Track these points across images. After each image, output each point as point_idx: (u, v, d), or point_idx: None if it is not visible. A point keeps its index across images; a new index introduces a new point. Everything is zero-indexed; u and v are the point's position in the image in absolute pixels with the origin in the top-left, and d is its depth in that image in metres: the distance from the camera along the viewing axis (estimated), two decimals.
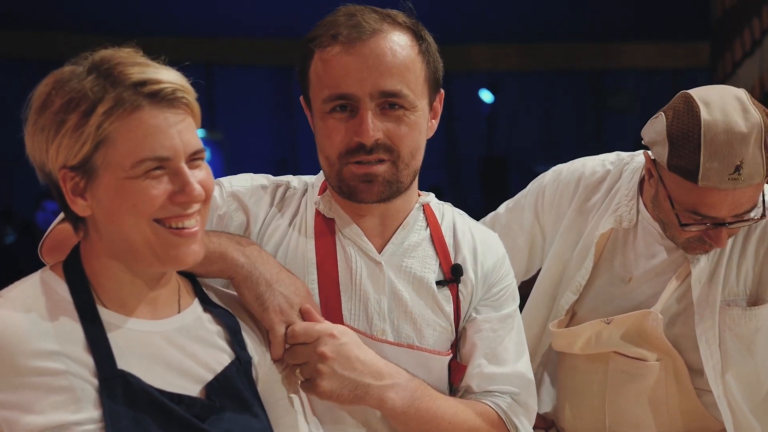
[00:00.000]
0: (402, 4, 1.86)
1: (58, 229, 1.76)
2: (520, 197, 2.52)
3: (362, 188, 1.80)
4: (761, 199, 2.15)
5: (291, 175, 2.00)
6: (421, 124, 1.83)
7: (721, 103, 2.09)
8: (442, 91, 1.90)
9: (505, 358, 1.92)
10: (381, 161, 1.79)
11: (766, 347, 2.27)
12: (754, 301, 2.24)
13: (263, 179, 1.96)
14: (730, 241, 2.25)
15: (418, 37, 1.82)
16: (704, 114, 2.07)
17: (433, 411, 1.80)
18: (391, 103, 1.78)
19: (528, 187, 2.52)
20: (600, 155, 2.46)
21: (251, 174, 1.97)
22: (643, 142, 2.24)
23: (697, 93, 2.14)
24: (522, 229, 2.47)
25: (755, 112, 2.08)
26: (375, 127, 1.76)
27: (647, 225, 2.31)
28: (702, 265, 2.24)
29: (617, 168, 2.39)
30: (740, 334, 2.24)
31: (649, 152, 2.20)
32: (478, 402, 1.88)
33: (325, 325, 1.74)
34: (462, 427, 1.83)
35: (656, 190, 2.19)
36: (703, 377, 2.25)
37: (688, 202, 2.11)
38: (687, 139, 2.08)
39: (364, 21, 1.77)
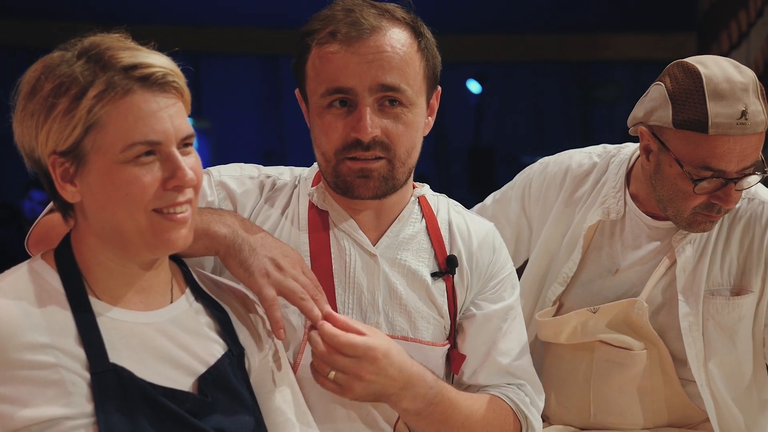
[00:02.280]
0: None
1: (44, 220, 1.75)
2: (507, 189, 2.53)
3: (358, 183, 1.79)
4: (761, 157, 2.18)
5: (283, 167, 1.99)
6: (418, 122, 1.81)
7: (714, 61, 2.16)
8: (439, 87, 1.88)
9: (509, 351, 1.93)
10: (377, 158, 1.77)
11: (748, 337, 2.29)
12: (737, 291, 2.26)
13: (253, 170, 1.95)
14: (714, 231, 2.27)
15: (417, 34, 1.80)
16: (703, 69, 2.13)
17: (447, 415, 1.79)
18: (390, 99, 1.76)
19: (515, 179, 2.53)
20: (587, 148, 2.48)
21: (241, 164, 1.96)
22: (633, 124, 2.25)
23: (690, 59, 2.20)
24: (509, 220, 2.48)
25: (747, 69, 2.15)
26: (373, 124, 1.74)
27: (634, 216, 2.32)
28: (687, 254, 2.25)
29: (604, 160, 2.41)
30: (723, 323, 2.26)
31: (645, 128, 2.21)
32: (490, 396, 1.89)
33: (369, 343, 1.67)
34: (475, 428, 1.83)
35: (657, 162, 2.20)
36: (687, 367, 2.27)
37: (698, 157, 2.12)
38: (690, 94, 2.12)
39: (363, 18, 1.75)
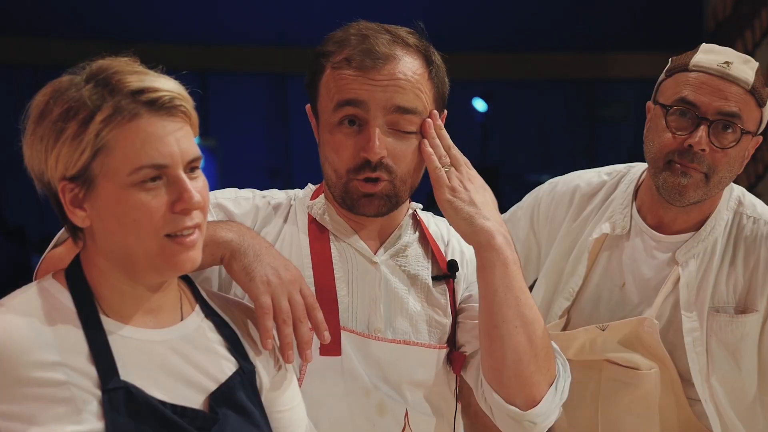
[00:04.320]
0: (415, 24, 1.86)
1: (50, 255, 1.76)
2: (516, 209, 2.54)
3: (363, 203, 1.83)
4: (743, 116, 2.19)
5: (276, 190, 2.03)
6: None
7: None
8: (446, 111, 1.92)
9: None
10: (382, 181, 1.82)
11: (752, 356, 2.29)
12: (742, 310, 2.27)
13: (248, 192, 1.98)
14: (720, 249, 2.27)
15: (428, 62, 1.84)
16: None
17: (521, 299, 1.79)
18: (396, 123, 1.80)
19: (524, 199, 2.55)
20: (596, 168, 2.50)
21: (236, 188, 2.00)
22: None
23: None
24: (518, 239, 2.49)
25: (756, 62, 2.21)
26: (381, 145, 1.79)
27: (640, 231, 2.33)
28: (691, 269, 2.26)
29: (613, 179, 2.43)
30: (725, 340, 2.26)
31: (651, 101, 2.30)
32: None
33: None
34: (536, 333, 1.81)
35: (651, 118, 2.27)
36: (694, 386, 2.26)
37: (675, 91, 2.20)
38: (688, 50, 2.24)
39: (376, 46, 1.78)
